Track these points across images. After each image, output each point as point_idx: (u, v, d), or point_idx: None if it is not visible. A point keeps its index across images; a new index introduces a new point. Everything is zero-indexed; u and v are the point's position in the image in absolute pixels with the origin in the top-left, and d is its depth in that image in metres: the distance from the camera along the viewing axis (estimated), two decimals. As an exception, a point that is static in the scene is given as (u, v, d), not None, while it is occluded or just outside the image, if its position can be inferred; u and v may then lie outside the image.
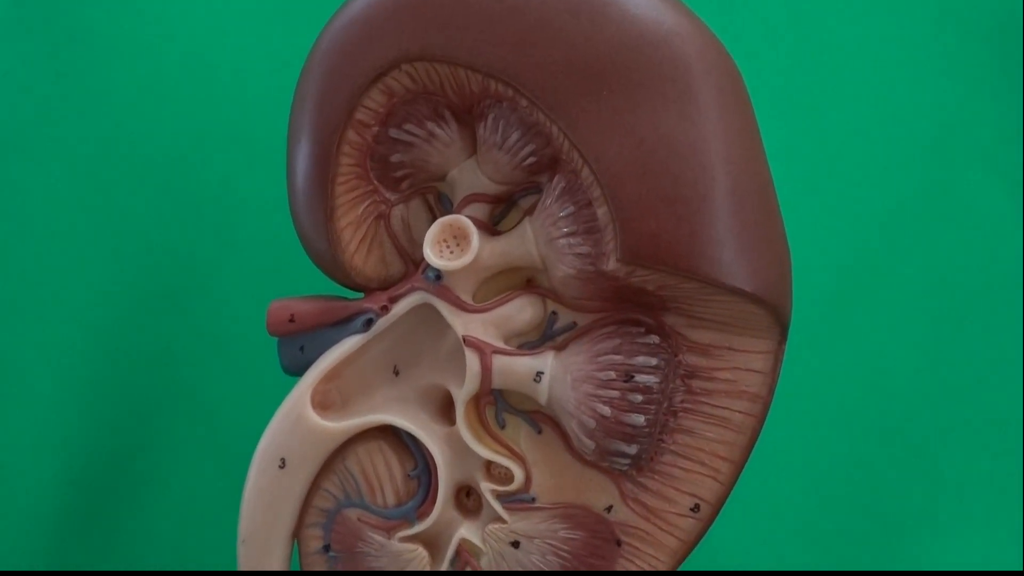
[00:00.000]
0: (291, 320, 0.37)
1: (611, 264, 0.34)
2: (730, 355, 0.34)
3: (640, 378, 0.35)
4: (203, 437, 0.48)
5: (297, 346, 0.37)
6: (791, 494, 0.47)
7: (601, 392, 0.35)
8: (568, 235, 0.35)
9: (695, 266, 0.33)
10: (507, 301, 0.37)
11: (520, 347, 0.36)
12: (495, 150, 0.36)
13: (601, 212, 0.34)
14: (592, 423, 0.34)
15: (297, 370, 0.37)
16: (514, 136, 0.36)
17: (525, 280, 0.36)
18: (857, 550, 0.45)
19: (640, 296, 0.36)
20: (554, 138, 0.34)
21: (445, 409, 0.37)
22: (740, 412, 0.34)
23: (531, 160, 0.36)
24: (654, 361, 0.35)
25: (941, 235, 0.47)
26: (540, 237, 0.36)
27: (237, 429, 0.47)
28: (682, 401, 0.35)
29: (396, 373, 0.37)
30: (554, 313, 0.37)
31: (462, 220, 0.36)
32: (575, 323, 0.37)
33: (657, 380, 0.35)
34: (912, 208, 0.47)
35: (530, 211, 0.36)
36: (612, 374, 0.35)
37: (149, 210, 0.47)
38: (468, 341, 0.37)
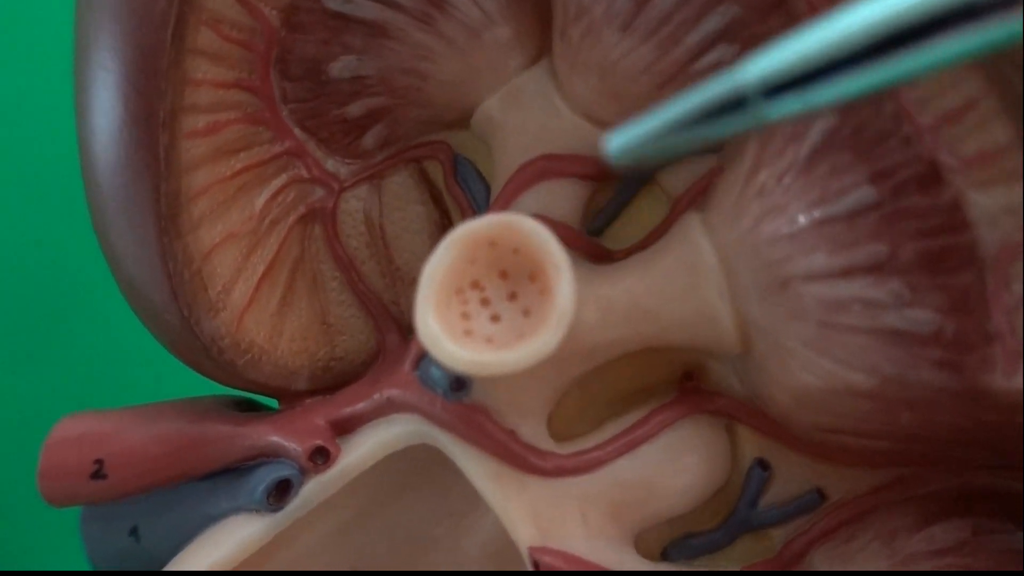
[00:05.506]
0: (97, 472, 0.17)
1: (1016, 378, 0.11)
2: None
3: None
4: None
5: (122, 526, 0.18)
6: None
7: None
8: (862, 274, 0.12)
9: None
10: (641, 440, 0.15)
11: (681, 547, 0.16)
12: (608, 31, 0.14)
13: (983, 202, 0.11)
14: None
15: (124, 566, 0.19)
16: None
17: (676, 376, 0.16)
18: None
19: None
20: None
21: None
22: None
23: (710, 58, 0.14)
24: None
25: None
26: (746, 271, 0.13)
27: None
28: None
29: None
30: (762, 464, 0.15)
31: (528, 228, 0.13)
32: (820, 493, 0.15)
33: None
34: None
35: (692, 199, 0.15)
36: None
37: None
38: (547, 570, 0.14)
